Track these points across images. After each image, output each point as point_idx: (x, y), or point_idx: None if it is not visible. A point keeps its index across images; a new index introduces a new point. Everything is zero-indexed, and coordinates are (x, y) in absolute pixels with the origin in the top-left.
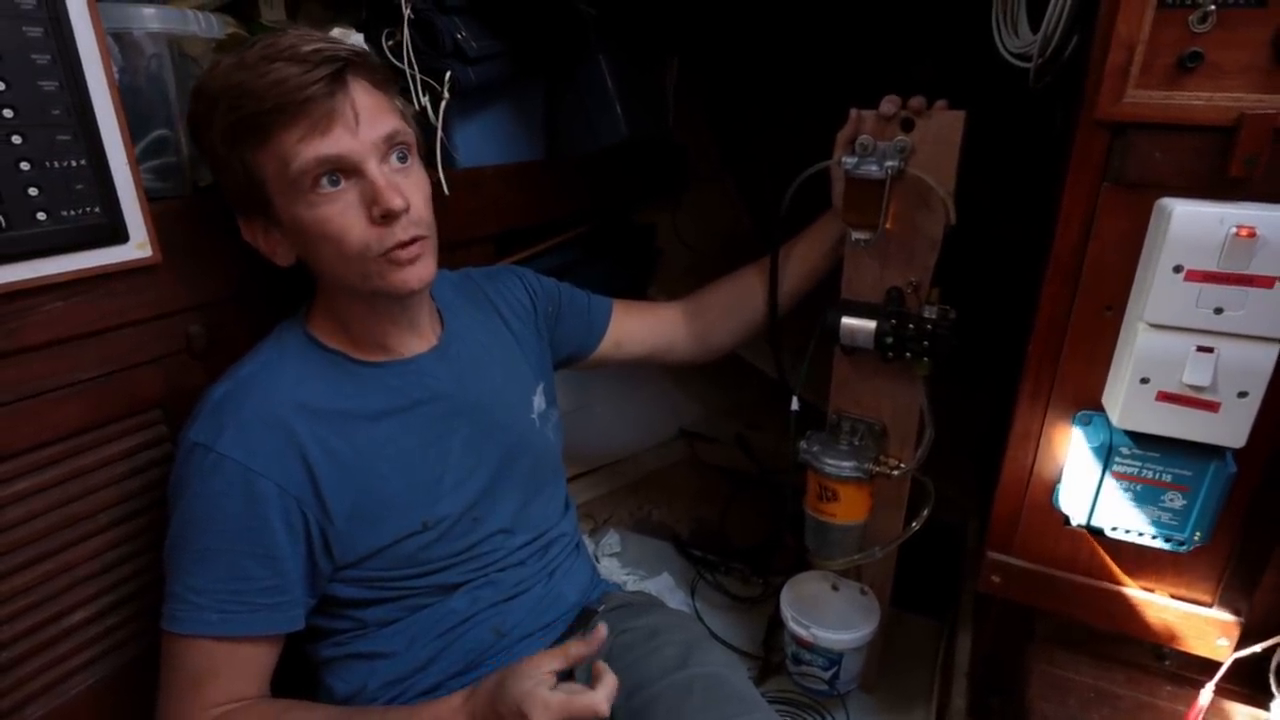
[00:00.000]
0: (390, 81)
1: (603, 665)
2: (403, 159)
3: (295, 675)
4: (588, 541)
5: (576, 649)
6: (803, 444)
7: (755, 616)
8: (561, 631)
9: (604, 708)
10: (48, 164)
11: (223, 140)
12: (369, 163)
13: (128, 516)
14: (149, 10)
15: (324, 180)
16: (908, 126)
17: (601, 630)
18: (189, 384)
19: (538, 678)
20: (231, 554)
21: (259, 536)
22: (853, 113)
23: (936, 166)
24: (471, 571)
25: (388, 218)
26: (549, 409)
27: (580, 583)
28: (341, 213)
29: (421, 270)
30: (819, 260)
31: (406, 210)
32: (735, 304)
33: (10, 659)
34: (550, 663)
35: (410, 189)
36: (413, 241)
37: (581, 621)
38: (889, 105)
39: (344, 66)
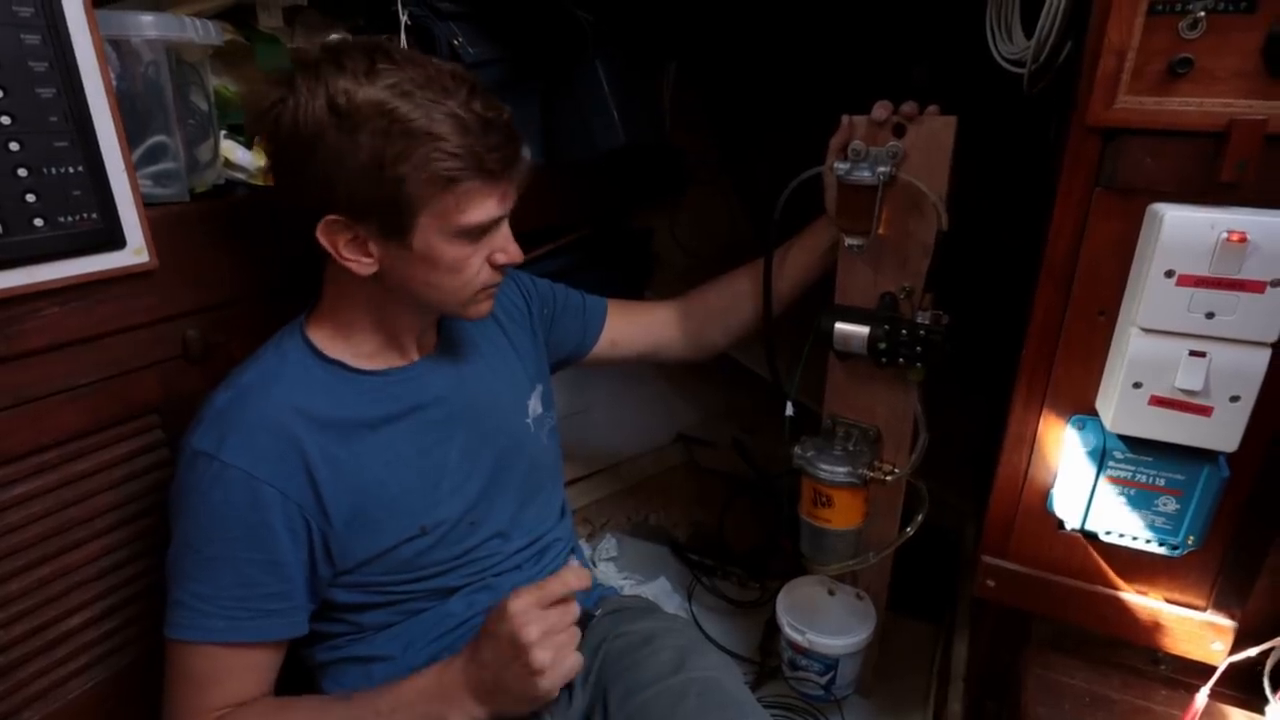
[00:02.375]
0: None
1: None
2: None
3: (292, 679)
4: (584, 546)
5: (553, 585)
6: (797, 449)
7: (752, 621)
8: None
9: (575, 579)
10: (45, 170)
11: (409, 169)
12: (505, 221)
13: (125, 521)
14: (147, 17)
15: (478, 231)
16: (900, 132)
17: (576, 566)
18: (186, 389)
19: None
20: (237, 561)
21: (264, 544)
22: (844, 119)
23: (929, 172)
24: (468, 576)
25: (505, 266)
26: (545, 413)
27: None
28: (475, 253)
29: (493, 304)
30: (812, 265)
31: None
32: (728, 305)
33: (8, 663)
34: (530, 595)
35: None
36: None
37: (581, 624)
38: (881, 111)
39: (523, 143)
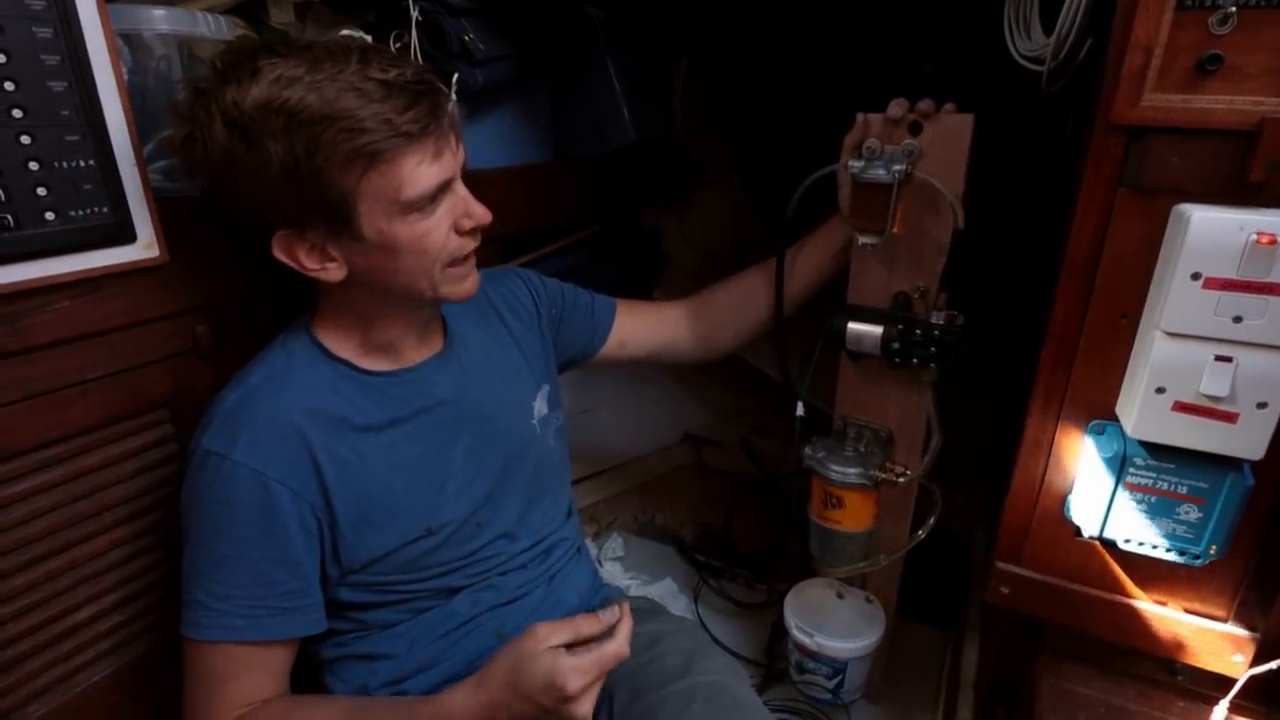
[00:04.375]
0: None
1: (609, 613)
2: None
3: (297, 674)
4: (591, 545)
5: (588, 626)
6: (808, 450)
7: (759, 623)
8: None
9: (626, 648)
10: (56, 164)
11: (323, 159)
12: (458, 181)
13: (133, 515)
14: (158, 12)
15: (427, 202)
16: (916, 130)
17: (616, 612)
18: (195, 383)
19: (553, 652)
20: (252, 560)
21: (278, 542)
22: (860, 116)
23: (945, 170)
24: (473, 575)
25: (474, 231)
26: (551, 413)
27: (581, 587)
28: (436, 226)
29: (476, 278)
30: (825, 264)
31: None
32: (739, 305)
33: (17, 655)
34: (557, 636)
35: None
36: (472, 251)
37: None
38: (897, 108)
39: (440, 94)
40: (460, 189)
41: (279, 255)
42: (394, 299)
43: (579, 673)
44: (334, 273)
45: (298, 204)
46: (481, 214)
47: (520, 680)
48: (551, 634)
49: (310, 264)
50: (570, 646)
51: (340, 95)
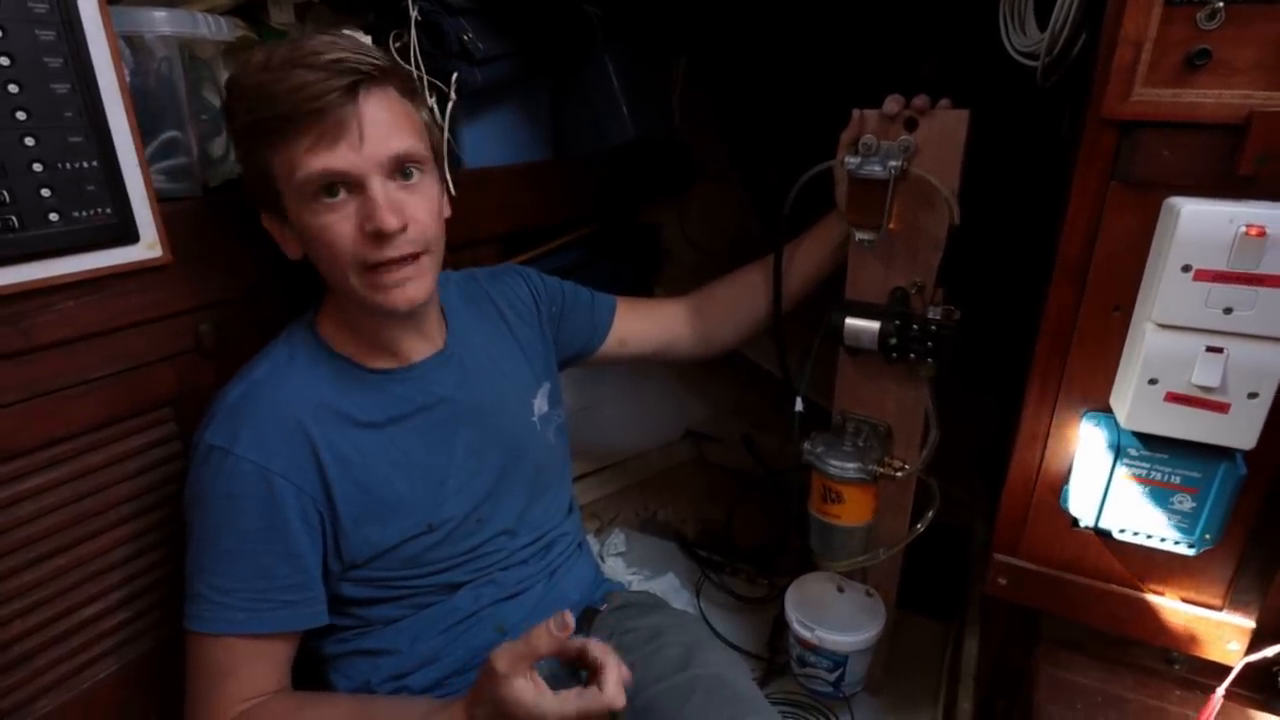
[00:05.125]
0: (416, 92)
1: (604, 657)
2: (408, 175)
3: (300, 670)
4: (592, 541)
5: (544, 643)
6: (807, 445)
7: (760, 617)
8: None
9: (618, 700)
10: (60, 165)
11: (240, 135)
12: (371, 180)
13: (139, 513)
14: (160, 14)
15: (323, 192)
16: (911, 126)
17: (566, 621)
18: (199, 382)
19: (534, 689)
20: (255, 554)
21: (280, 536)
22: (855, 113)
23: (940, 166)
24: (475, 571)
25: (378, 237)
26: (551, 411)
27: (583, 582)
28: (336, 223)
29: (411, 291)
30: (823, 260)
31: (402, 230)
32: (739, 302)
33: (24, 652)
34: (519, 666)
35: (414, 206)
36: (405, 260)
37: (584, 621)
38: (892, 105)
39: (362, 79)
40: (375, 189)
41: (264, 224)
42: (347, 297)
43: (563, 716)
44: (291, 250)
45: (250, 180)
46: (382, 220)
47: (504, 714)
48: (513, 666)
49: (279, 238)
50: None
51: (257, 73)
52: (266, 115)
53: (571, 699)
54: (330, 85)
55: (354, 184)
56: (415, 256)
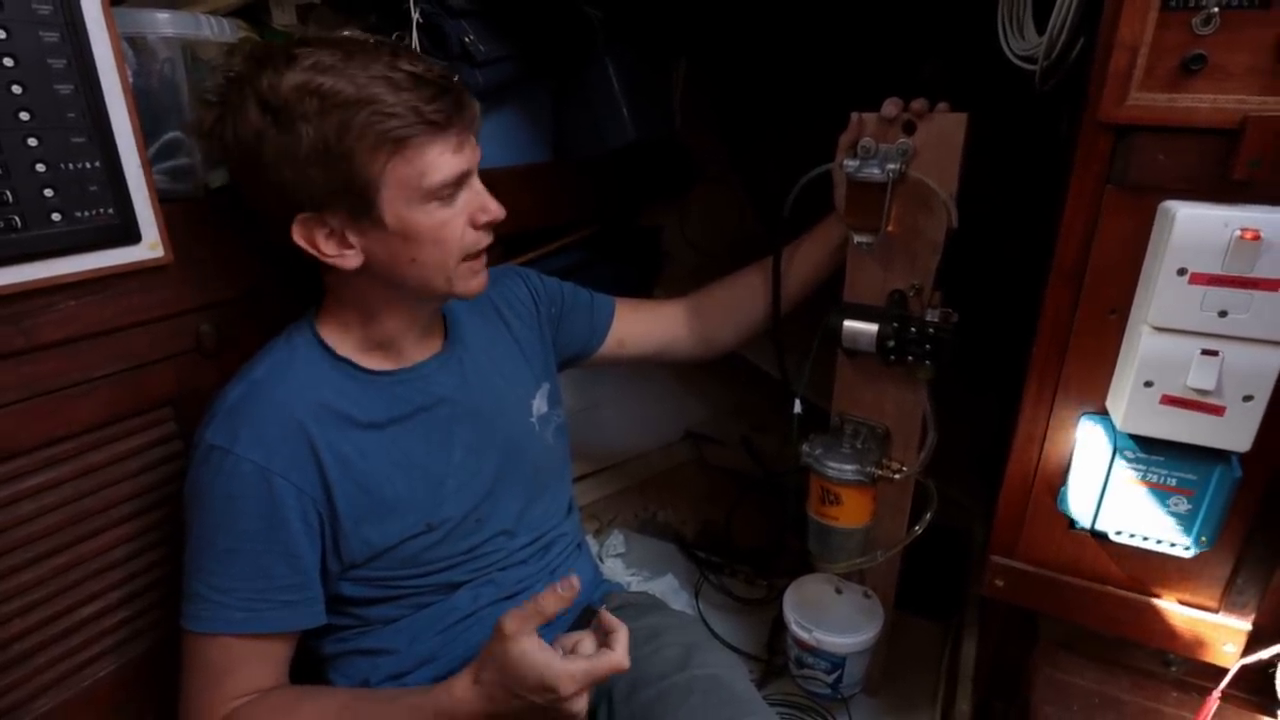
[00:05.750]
0: None
1: (608, 620)
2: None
3: (299, 669)
4: (592, 542)
5: (550, 603)
6: (805, 447)
7: (759, 618)
8: (561, 632)
9: (625, 661)
10: (63, 165)
11: (353, 142)
12: (474, 176)
13: (139, 512)
14: (163, 15)
15: (448, 192)
16: (910, 129)
17: (572, 584)
18: (200, 382)
19: (546, 653)
20: (253, 553)
21: (279, 535)
22: (854, 116)
23: (939, 169)
24: (474, 571)
25: (489, 225)
26: (550, 411)
27: (582, 583)
28: (452, 219)
29: (485, 277)
30: (822, 262)
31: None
32: (738, 303)
33: (24, 650)
34: (527, 625)
35: None
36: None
37: (583, 621)
38: (891, 108)
39: (466, 93)
40: (477, 184)
41: (298, 239)
42: (405, 292)
43: (572, 679)
44: (350, 260)
45: (323, 187)
46: (496, 209)
47: (513, 679)
48: (521, 625)
49: (328, 249)
50: (569, 648)
51: (371, 83)
52: (410, 122)
53: (580, 660)
54: (451, 98)
55: (464, 183)
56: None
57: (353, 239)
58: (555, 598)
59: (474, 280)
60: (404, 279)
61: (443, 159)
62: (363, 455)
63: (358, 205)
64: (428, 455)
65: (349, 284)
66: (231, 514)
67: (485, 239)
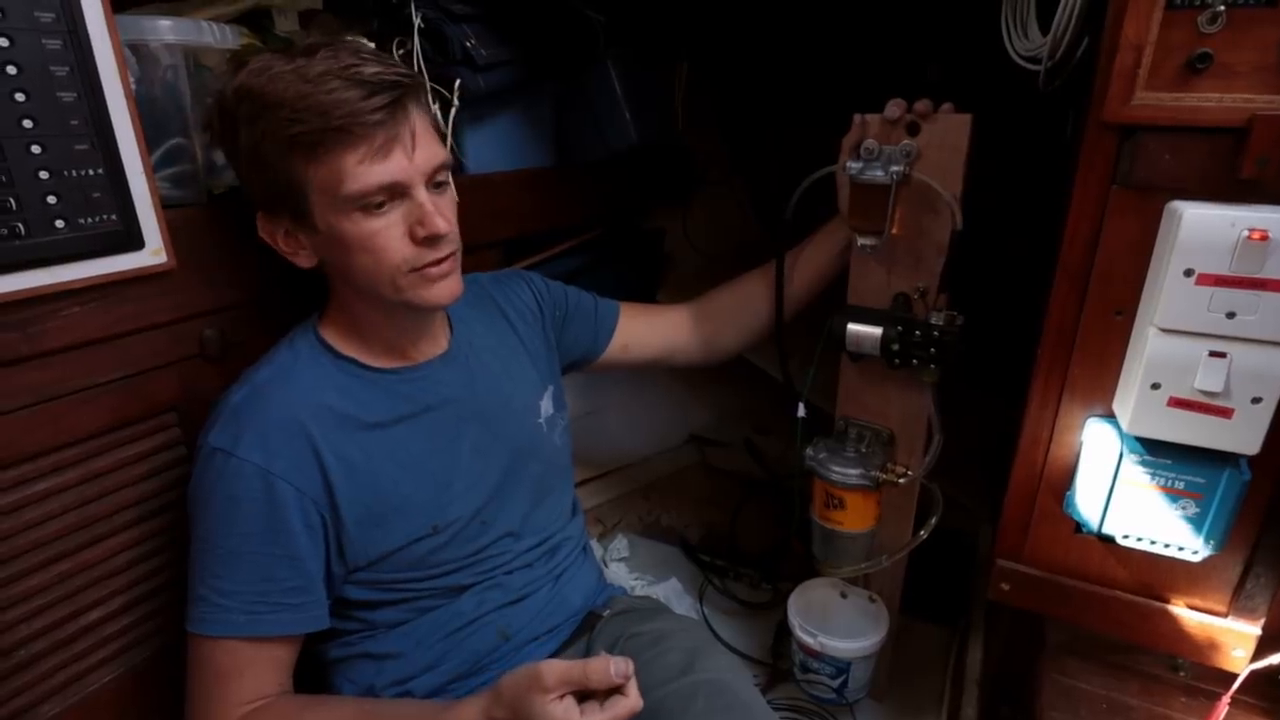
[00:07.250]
0: (429, 102)
1: (622, 664)
2: (441, 182)
3: (304, 673)
4: (596, 546)
5: (598, 676)
6: (809, 451)
7: (764, 623)
8: (566, 637)
9: (639, 702)
10: (66, 173)
11: (271, 146)
12: (417, 187)
13: (144, 517)
14: (165, 22)
15: (372, 202)
16: (914, 130)
17: (628, 666)
18: (204, 387)
19: (564, 705)
20: (256, 556)
21: (282, 539)
22: (857, 117)
23: (943, 171)
24: (479, 574)
25: (430, 240)
26: (556, 413)
27: (586, 587)
28: (385, 229)
29: (452, 285)
30: (826, 265)
31: (448, 233)
32: (742, 308)
33: (29, 656)
34: (563, 683)
35: (447, 210)
36: (446, 258)
37: (587, 625)
38: (894, 109)
39: (405, 93)
40: (421, 195)
41: (262, 234)
42: (368, 297)
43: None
44: (303, 259)
45: (263, 188)
46: (436, 225)
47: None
48: (561, 683)
49: (285, 247)
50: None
51: (293, 84)
52: (315, 128)
53: (597, 711)
54: (381, 100)
55: (401, 193)
56: (451, 255)
57: (303, 240)
58: (605, 677)
59: (431, 290)
60: (355, 285)
61: (360, 168)
62: (367, 456)
63: (294, 209)
64: (434, 456)
65: (338, 285)
66: (233, 517)
67: (431, 254)
